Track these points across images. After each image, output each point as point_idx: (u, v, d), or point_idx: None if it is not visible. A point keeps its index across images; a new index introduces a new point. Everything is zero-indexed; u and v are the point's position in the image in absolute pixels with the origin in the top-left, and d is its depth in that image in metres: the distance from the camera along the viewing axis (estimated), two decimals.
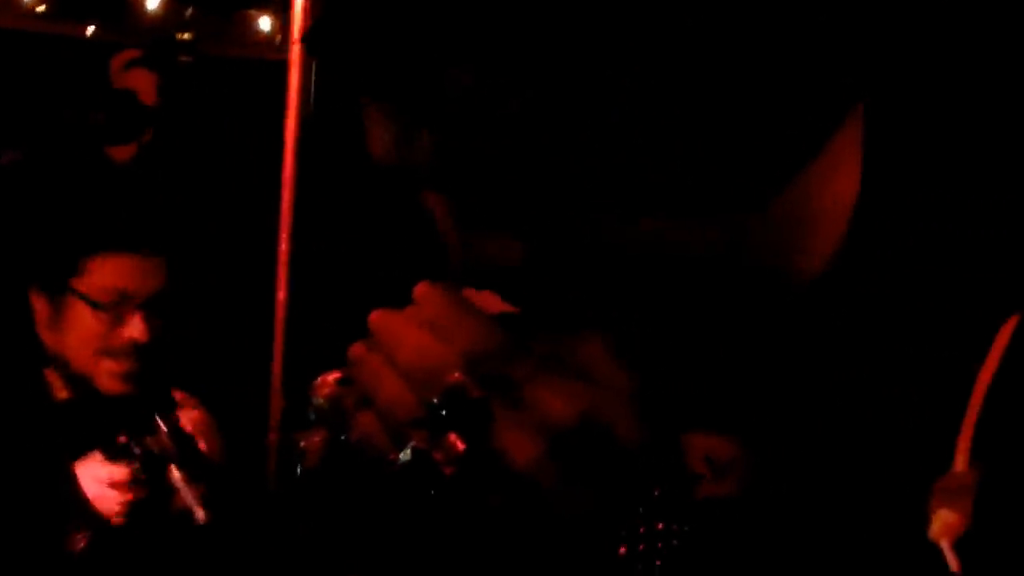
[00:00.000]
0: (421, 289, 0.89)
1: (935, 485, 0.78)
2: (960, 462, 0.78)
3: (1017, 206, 0.81)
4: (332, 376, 0.90)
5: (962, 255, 0.82)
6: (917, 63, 0.85)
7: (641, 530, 0.85)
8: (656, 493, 0.85)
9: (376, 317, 0.89)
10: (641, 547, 0.85)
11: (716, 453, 0.92)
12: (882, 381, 0.84)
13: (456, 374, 0.85)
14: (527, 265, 0.85)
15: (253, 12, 5.28)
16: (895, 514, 0.80)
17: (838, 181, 0.84)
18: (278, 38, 5.11)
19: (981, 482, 0.76)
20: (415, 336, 0.87)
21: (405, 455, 0.84)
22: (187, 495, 2.24)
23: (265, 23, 5.22)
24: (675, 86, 0.77)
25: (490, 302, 0.89)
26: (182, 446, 2.27)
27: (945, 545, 0.76)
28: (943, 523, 0.77)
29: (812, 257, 0.86)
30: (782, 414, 0.90)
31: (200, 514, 2.23)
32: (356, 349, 0.90)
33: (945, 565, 0.76)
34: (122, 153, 3.13)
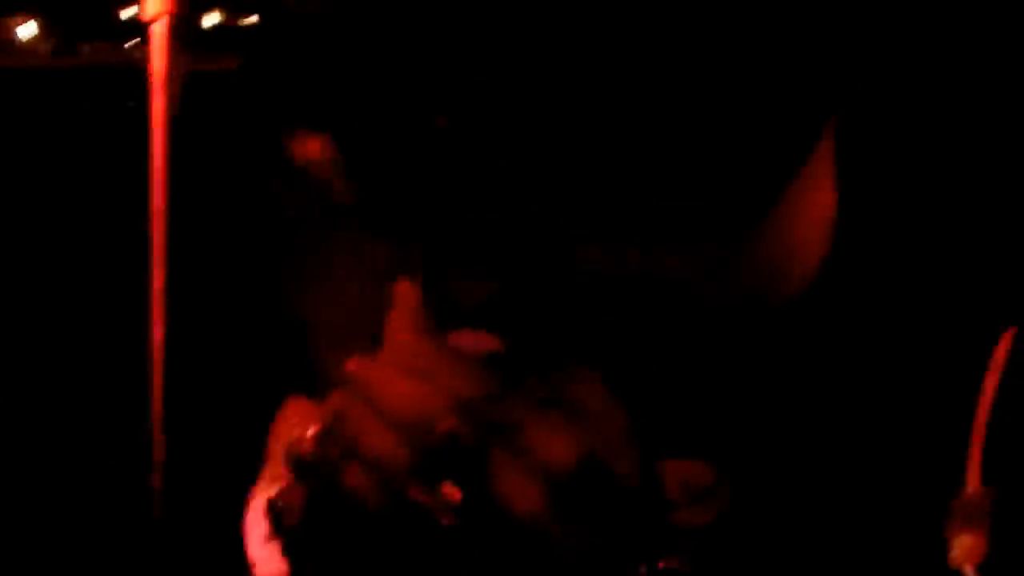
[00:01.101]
0: (402, 335, 0.86)
1: (950, 509, 0.78)
2: (972, 482, 0.78)
3: (999, 217, 0.82)
4: (312, 430, 0.87)
5: (946, 270, 0.83)
6: (883, 82, 0.86)
7: (642, 569, 0.84)
8: (654, 528, 0.85)
9: (356, 366, 0.86)
10: None
11: (694, 479, 0.91)
12: (875, 402, 0.85)
13: (449, 420, 0.83)
14: (510, 302, 0.84)
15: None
16: (909, 541, 0.80)
17: (815, 202, 0.84)
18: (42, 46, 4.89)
19: (997, 502, 0.77)
20: (402, 384, 0.84)
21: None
22: None
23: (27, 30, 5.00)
24: (652, 114, 0.76)
25: (473, 343, 0.87)
26: None
27: (969, 570, 0.77)
28: (964, 548, 0.77)
29: (793, 279, 0.86)
30: (768, 438, 0.90)
31: None
32: (336, 401, 0.87)
33: None
34: None
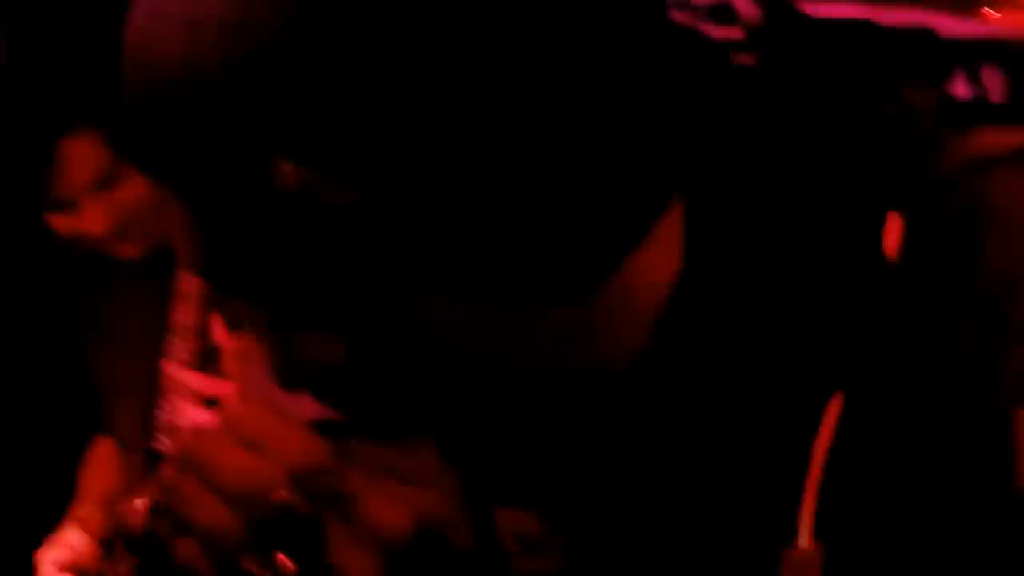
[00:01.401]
0: (231, 403, 0.85)
1: (782, 563, 0.79)
2: (804, 538, 0.80)
3: (827, 288, 0.84)
4: (140, 502, 0.85)
5: (776, 336, 0.85)
6: (725, 162, 0.88)
7: None
8: None
9: (188, 437, 0.85)
10: None
11: (525, 529, 0.92)
12: (707, 459, 0.86)
13: (282, 492, 0.82)
14: (348, 364, 0.83)
15: None
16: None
17: (658, 266, 0.86)
18: None
19: (826, 557, 0.79)
20: (232, 455, 0.83)
21: None
22: None
23: None
24: (502, 176, 0.76)
25: (305, 408, 0.86)
26: None
27: None
28: None
29: (630, 341, 0.87)
30: (602, 491, 0.91)
31: None
32: (165, 472, 0.86)
33: None
34: None
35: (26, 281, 2.07)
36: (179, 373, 1.36)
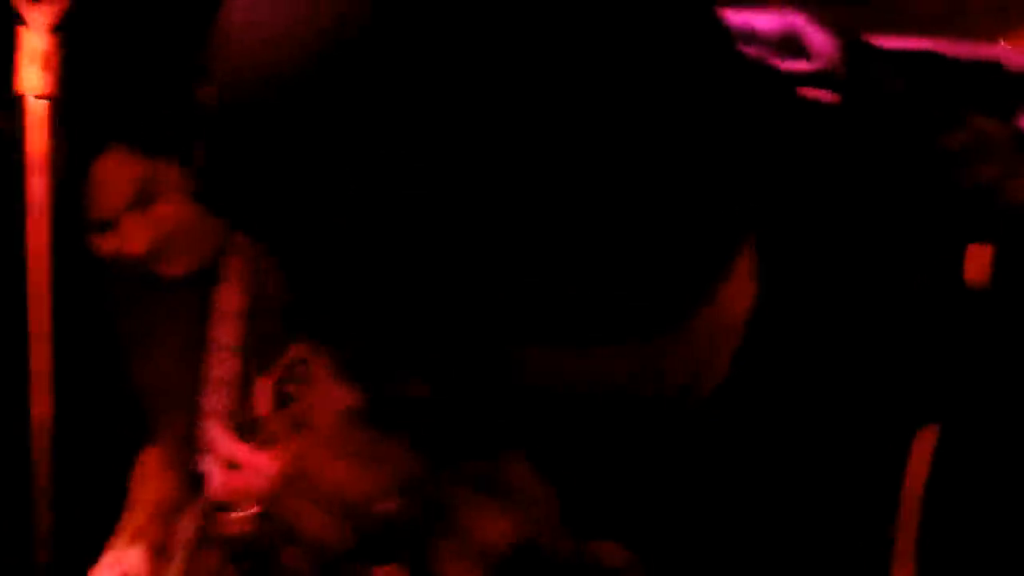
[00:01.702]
0: (330, 419, 0.88)
1: None
2: (900, 572, 0.81)
3: (911, 320, 0.86)
4: (250, 512, 0.88)
5: (859, 366, 0.87)
6: (796, 197, 0.90)
7: None
8: None
9: (294, 450, 0.88)
10: None
11: (611, 560, 0.94)
12: (794, 492, 0.88)
13: (388, 502, 0.84)
14: (442, 397, 0.85)
15: None
16: None
17: (736, 301, 0.88)
18: None
19: None
20: (338, 467, 0.86)
21: None
22: None
23: None
24: (586, 224, 0.77)
25: (409, 392, 0.88)
26: None
27: None
28: None
29: (714, 373, 0.89)
30: (686, 520, 0.92)
31: None
32: (272, 484, 0.88)
33: None
34: None
35: (75, 289, 2.09)
36: (212, 431, 1.35)
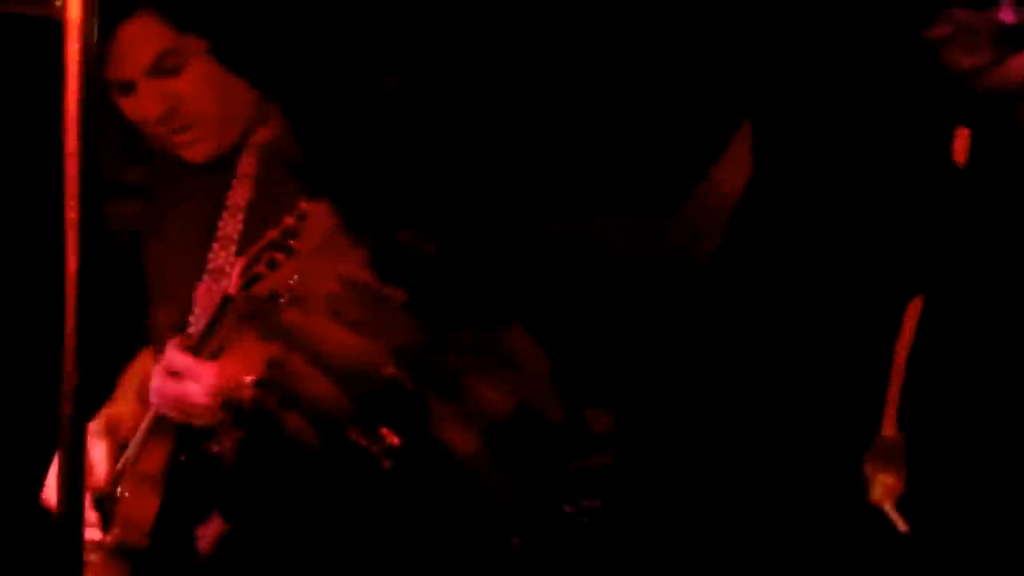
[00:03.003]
0: (336, 287, 0.89)
1: (867, 452, 0.84)
2: (888, 427, 0.85)
3: (898, 199, 0.89)
4: (250, 378, 0.89)
5: (850, 236, 0.89)
6: (794, 79, 0.92)
7: (568, 509, 0.89)
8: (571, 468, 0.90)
9: (291, 318, 0.89)
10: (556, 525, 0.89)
11: (599, 427, 0.96)
12: (790, 357, 0.90)
13: (390, 368, 0.86)
14: (448, 258, 0.87)
15: None
16: (831, 481, 0.86)
17: (731, 179, 0.90)
18: None
19: (910, 444, 0.84)
20: (340, 334, 0.87)
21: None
22: None
23: None
24: (597, 104, 0.79)
25: (399, 297, 0.90)
26: None
27: (888, 507, 0.83)
28: (883, 486, 0.84)
29: (707, 243, 0.91)
30: (677, 386, 0.95)
31: None
32: (272, 351, 0.89)
33: (891, 525, 0.83)
34: None
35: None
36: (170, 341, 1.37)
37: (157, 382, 1.17)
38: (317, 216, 0.94)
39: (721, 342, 0.94)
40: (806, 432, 0.88)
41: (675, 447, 0.96)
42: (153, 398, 1.15)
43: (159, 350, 1.56)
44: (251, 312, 1.02)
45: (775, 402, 0.90)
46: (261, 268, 1.07)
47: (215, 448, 0.91)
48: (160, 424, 1.14)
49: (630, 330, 0.96)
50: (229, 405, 0.89)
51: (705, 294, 0.93)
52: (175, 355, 1.12)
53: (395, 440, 0.86)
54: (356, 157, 0.83)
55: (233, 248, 1.47)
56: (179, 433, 1.04)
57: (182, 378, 1.11)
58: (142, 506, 1.14)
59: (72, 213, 0.96)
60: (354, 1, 0.79)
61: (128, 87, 1.49)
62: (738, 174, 0.91)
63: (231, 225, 1.51)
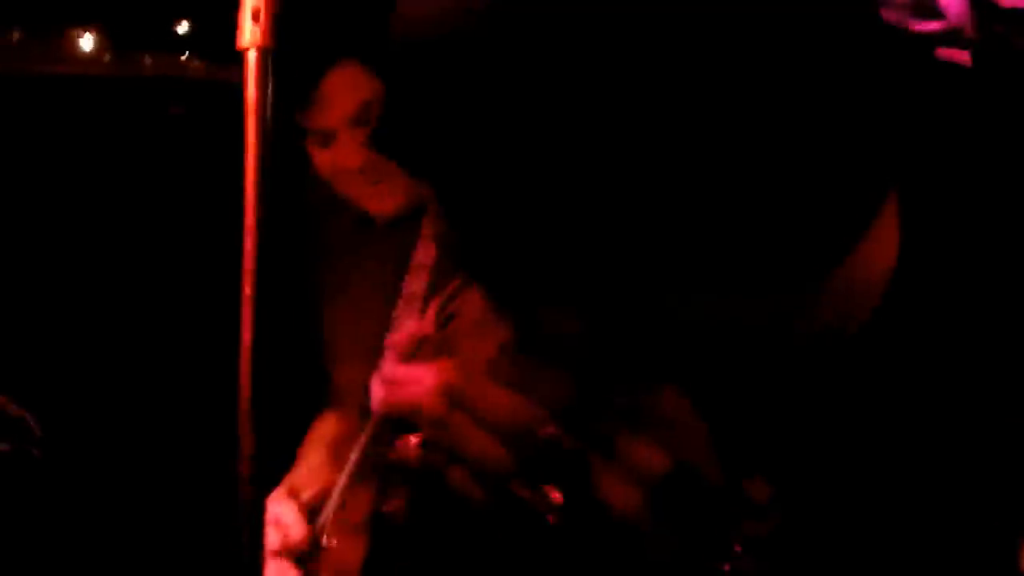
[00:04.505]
0: (487, 352, 0.92)
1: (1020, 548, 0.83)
2: None
3: None
4: (414, 439, 0.92)
5: (998, 320, 0.89)
6: (942, 150, 0.92)
7: (725, 568, 0.89)
8: (732, 531, 0.90)
9: (451, 379, 0.91)
10: None
11: (758, 495, 0.96)
12: (941, 424, 0.90)
13: (550, 428, 0.88)
14: (595, 335, 0.88)
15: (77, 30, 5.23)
16: (982, 546, 0.86)
17: (880, 254, 0.90)
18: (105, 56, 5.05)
19: None
20: (500, 394, 0.90)
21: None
22: None
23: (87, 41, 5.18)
24: (735, 174, 0.80)
25: (560, 319, 0.91)
26: None
27: None
28: None
29: (854, 322, 0.91)
30: (831, 458, 0.95)
31: None
32: (435, 412, 0.92)
33: None
34: None
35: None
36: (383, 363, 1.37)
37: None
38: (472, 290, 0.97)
39: (882, 416, 0.94)
40: (965, 509, 0.87)
41: (835, 520, 0.95)
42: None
43: (347, 409, 1.58)
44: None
45: (933, 479, 0.89)
46: (442, 319, 1.11)
47: (385, 508, 0.95)
48: (362, 472, 1.18)
49: (785, 403, 0.96)
50: (398, 464, 0.93)
51: (861, 368, 0.93)
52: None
53: (557, 497, 0.88)
54: (503, 237, 0.85)
55: (418, 306, 1.51)
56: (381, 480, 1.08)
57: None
58: (351, 553, 1.18)
59: (248, 289, 1.01)
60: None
61: (329, 137, 1.53)
62: (888, 247, 0.91)
63: (416, 284, 1.55)
